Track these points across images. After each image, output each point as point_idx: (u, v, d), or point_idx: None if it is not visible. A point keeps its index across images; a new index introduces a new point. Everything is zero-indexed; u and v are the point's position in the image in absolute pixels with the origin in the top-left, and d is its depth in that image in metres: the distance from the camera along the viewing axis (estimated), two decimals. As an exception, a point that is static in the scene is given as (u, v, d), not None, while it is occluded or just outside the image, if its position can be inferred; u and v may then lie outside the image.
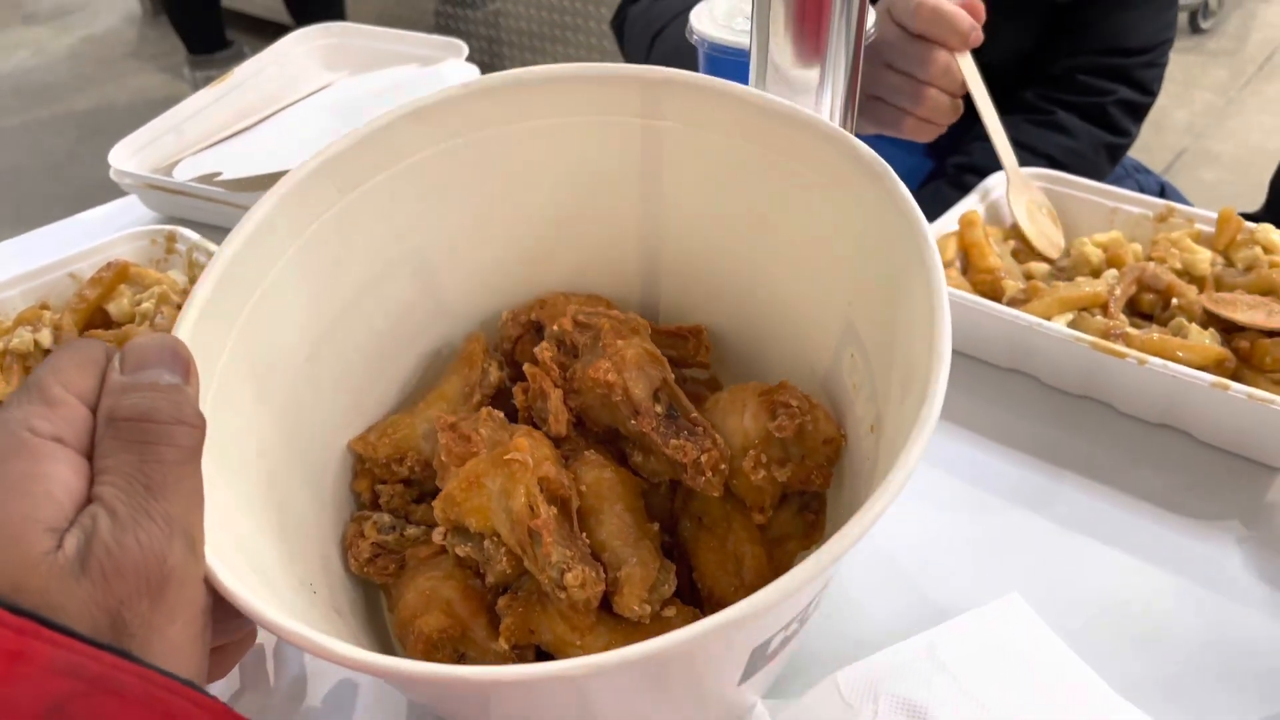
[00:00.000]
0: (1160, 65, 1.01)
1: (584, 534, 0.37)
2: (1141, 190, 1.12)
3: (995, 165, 1.01)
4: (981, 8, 0.68)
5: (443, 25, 2.76)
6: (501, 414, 0.41)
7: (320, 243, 0.40)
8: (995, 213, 0.70)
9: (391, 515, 0.42)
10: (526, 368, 0.42)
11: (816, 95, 0.45)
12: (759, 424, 0.39)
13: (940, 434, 0.59)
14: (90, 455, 0.27)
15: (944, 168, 1.02)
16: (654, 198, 0.45)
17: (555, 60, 2.59)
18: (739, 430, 0.39)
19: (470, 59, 0.90)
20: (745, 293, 0.46)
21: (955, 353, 0.65)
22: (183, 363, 0.30)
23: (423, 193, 0.43)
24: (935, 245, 0.34)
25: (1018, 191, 0.69)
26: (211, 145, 0.84)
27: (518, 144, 0.43)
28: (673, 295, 0.48)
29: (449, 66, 0.86)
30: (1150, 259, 0.64)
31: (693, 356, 0.46)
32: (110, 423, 0.27)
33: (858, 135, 0.83)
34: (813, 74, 0.45)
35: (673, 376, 0.41)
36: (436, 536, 0.37)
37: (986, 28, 0.99)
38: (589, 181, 0.45)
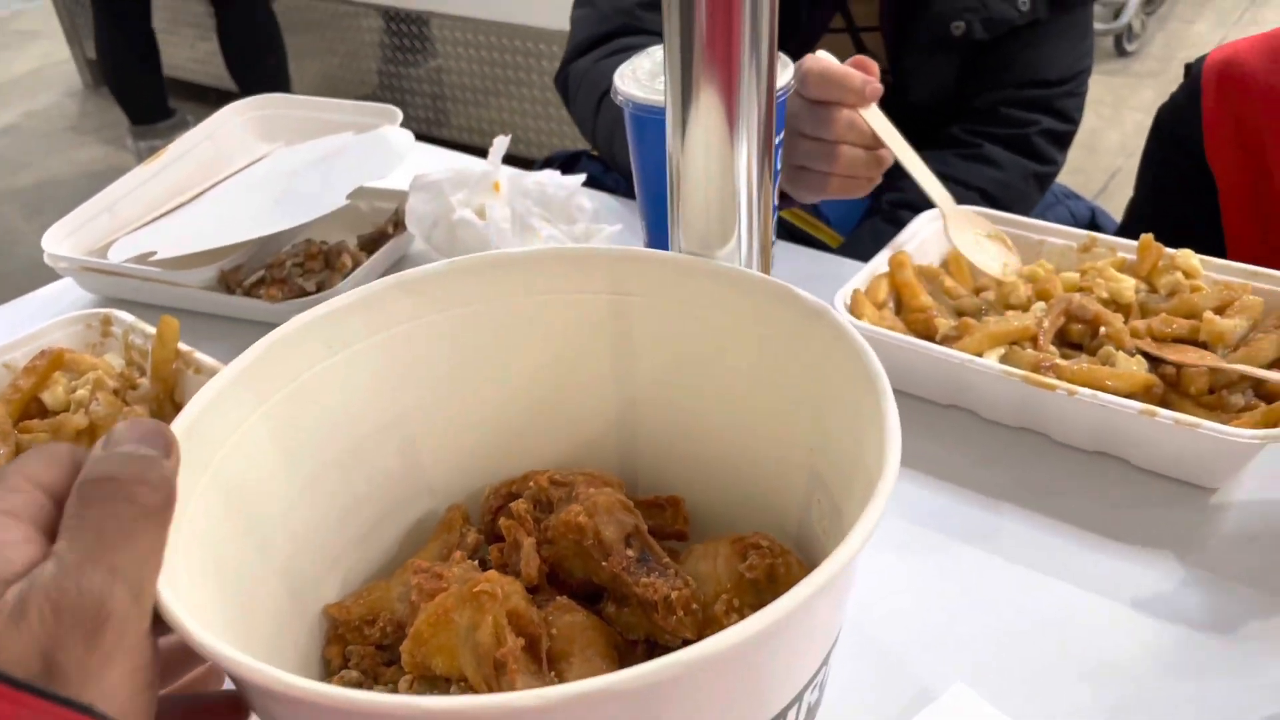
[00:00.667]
0: (1080, 94, 1.04)
1: (554, 674, 0.36)
2: (1073, 216, 1.14)
3: (929, 199, 1.04)
4: (872, 63, 0.71)
5: (386, 84, 2.78)
6: (475, 562, 0.42)
7: (306, 396, 0.41)
8: (926, 250, 0.72)
9: (360, 674, 0.42)
10: (502, 522, 0.43)
11: (733, 151, 0.46)
12: (730, 567, 0.39)
13: (884, 474, 0.60)
14: (50, 532, 0.28)
15: (879, 204, 1.04)
16: (626, 371, 0.47)
17: (498, 113, 2.61)
18: (711, 576, 0.39)
19: (414, 116, 0.91)
20: (718, 459, 0.47)
21: (894, 391, 0.66)
22: (165, 441, 0.30)
23: (408, 363, 0.44)
24: (878, 364, 0.36)
25: (959, 227, 0.70)
26: (146, 224, 0.83)
27: (497, 321, 0.45)
28: (651, 469, 0.49)
29: (385, 133, 0.87)
30: (1080, 289, 0.65)
31: (671, 526, 0.46)
32: (78, 488, 0.28)
33: (797, 205, 0.83)
34: (724, 130, 0.46)
35: (645, 527, 0.41)
36: (403, 686, 0.36)
37: (911, 68, 1.02)
38: (565, 358, 0.47)
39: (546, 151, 2.60)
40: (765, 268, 0.49)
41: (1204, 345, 0.60)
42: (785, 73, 0.65)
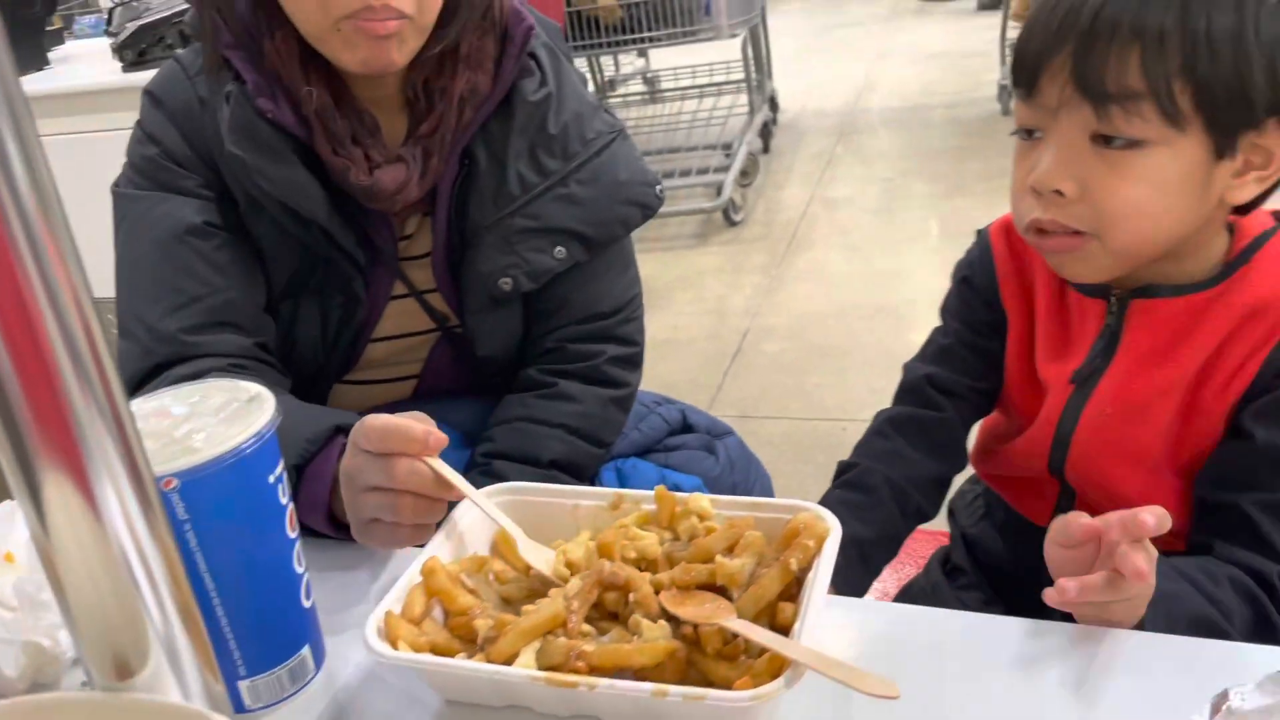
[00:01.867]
0: (636, 318, 1.11)
1: None
2: (665, 421, 1.20)
3: (520, 448, 1.05)
4: (430, 421, 0.72)
5: None
6: None
7: None
8: (475, 534, 0.71)
9: None
10: None
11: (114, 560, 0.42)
12: None
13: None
14: None
15: (474, 459, 1.04)
16: None
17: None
18: None
19: None
20: None
21: (455, 704, 0.63)
22: None
23: None
24: None
25: (530, 551, 0.69)
26: None
27: None
28: None
29: None
30: (614, 551, 0.67)
31: None
32: None
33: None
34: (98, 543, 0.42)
35: None
36: None
37: (477, 323, 1.05)
38: None
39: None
40: (209, 670, 0.45)
41: (723, 589, 0.62)
42: (263, 412, 0.62)
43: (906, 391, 0.96)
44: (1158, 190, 0.70)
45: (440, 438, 0.71)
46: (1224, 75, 0.67)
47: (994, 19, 4.04)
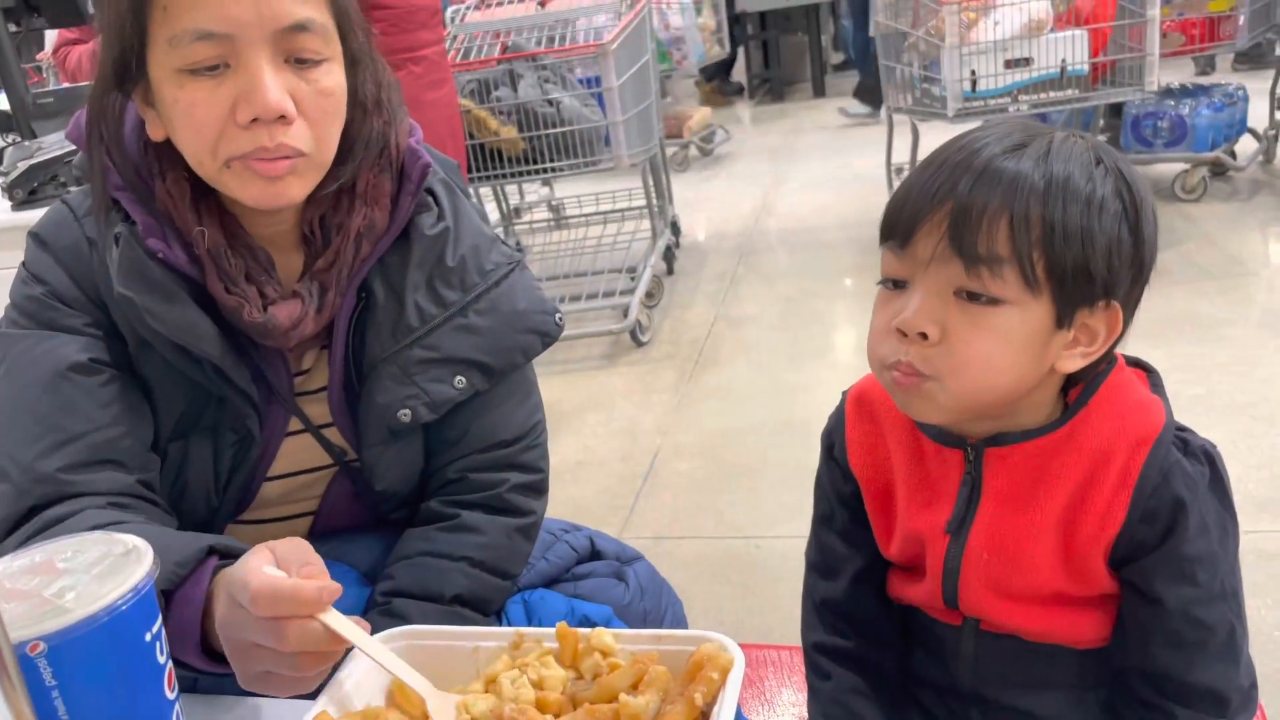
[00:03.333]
0: (539, 445, 1.10)
1: None
2: (574, 549, 1.18)
3: (422, 584, 1.02)
4: (319, 567, 0.69)
5: None
6: None
7: None
8: (365, 686, 0.68)
9: None
10: None
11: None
12: None
13: None
14: None
15: (374, 598, 1.01)
16: None
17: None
18: None
19: None
20: None
21: None
22: None
23: None
24: None
25: (442, 712, 0.66)
26: None
27: None
28: None
29: None
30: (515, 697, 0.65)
31: None
32: None
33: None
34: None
35: None
36: None
37: (375, 456, 1.03)
38: None
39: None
40: None
41: (628, 728, 0.61)
42: (140, 565, 0.60)
43: (817, 613, 0.97)
44: (1006, 346, 0.75)
45: (334, 589, 0.68)
46: (1073, 254, 0.73)
47: (874, 148, 4.28)
